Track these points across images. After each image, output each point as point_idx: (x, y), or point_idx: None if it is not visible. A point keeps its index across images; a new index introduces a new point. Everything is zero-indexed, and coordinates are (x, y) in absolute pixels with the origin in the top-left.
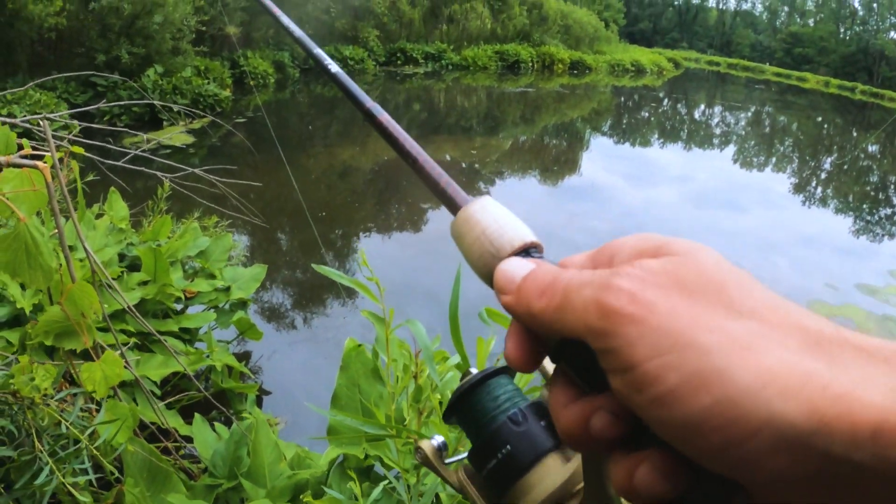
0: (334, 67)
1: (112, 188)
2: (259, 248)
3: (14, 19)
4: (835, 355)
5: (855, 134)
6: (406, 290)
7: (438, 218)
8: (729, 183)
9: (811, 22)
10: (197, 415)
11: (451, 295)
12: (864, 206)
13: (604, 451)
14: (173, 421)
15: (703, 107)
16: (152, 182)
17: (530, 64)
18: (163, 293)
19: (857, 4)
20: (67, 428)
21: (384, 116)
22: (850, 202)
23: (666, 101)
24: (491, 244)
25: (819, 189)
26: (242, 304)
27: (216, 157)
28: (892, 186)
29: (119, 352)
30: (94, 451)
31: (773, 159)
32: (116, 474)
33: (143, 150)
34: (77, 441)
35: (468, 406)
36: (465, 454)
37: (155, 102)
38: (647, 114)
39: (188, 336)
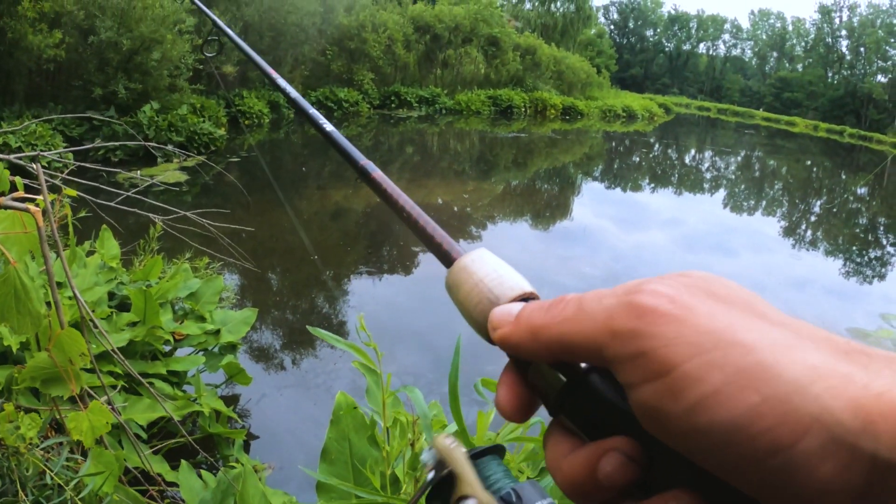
0: (329, 127)
1: (104, 226)
2: (249, 288)
3: (13, 49)
4: (865, 363)
5: (844, 176)
6: (396, 333)
7: (429, 261)
8: (719, 226)
9: (800, 67)
10: (183, 462)
11: (450, 367)
12: (854, 248)
13: (612, 500)
14: (159, 467)
15: (693, 151)
16: (144, 219)
17: (523, 109)
18: (152, 335)
19: (844, 49)
20: (52, 478)
21: (377, 173)
22: (839, 244)
23: (657, 146)
24: (490, 291)
25: (809, 232)
26: (232, 347)
27: (209, 195)
28: (881, 227)
29: (106, 397)
30: (79, 503)
31: (763, 203)
32: None
33: (136, 192)
34: (62, 490)
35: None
36: None
37: (149, 145)
38: (637, 158)
39: (176, 379)
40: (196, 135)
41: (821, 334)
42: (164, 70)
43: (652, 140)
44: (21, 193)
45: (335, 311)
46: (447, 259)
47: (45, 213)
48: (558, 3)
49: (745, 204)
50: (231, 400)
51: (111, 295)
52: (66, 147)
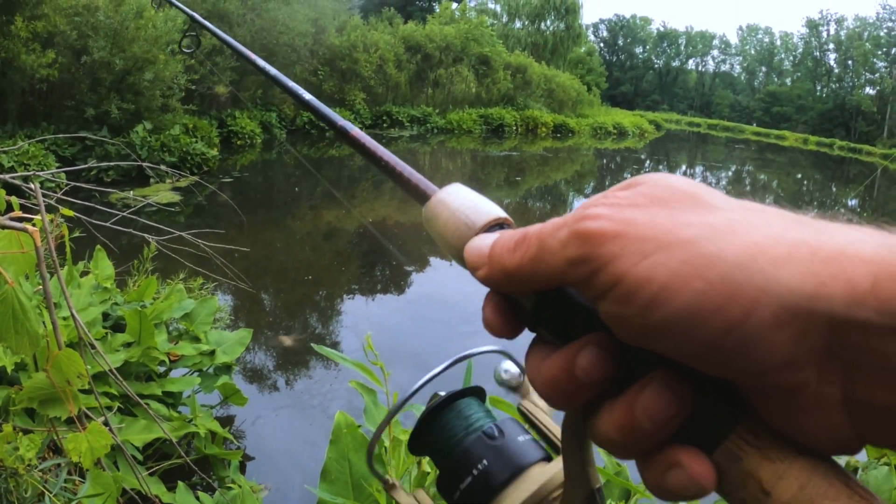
0: (307, 96)
1: (98, 246)
2: (243, 309)
3: (6, 68)
4: (818, 228)
5: (834, 189)
6: (391, 353)
7: (423, 280)
8: None
9: (788, 81)
10: (181, 483)
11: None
12: None
13: (590, 401)
14: (156, 488)
15: (684, 167)
16: (137, 239)
17: (514, 127)
18: (147, 356)
19: (832, 62)
20: (51, 500)
21: (355, 131)
22: None
23: (648, 162)
24: (466, 219)
25: None
26: (227, 368)
27: (202, 216)
28: None
29: (103, 418)
30: None
31: None
32: None
33: (130, 212)
34: None
35: (437, 428)
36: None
37: (144, 164)
38: (629, 175)
39: (171, 400)
40: (189, 155)
41: (771, 209)
42: (157, 90)
43: (643, 156)
44: (18, 213)
45: (329, 332)
46: (423, 197)
47: (42, 231)
48: (548, 22)
49: None
50: (226, 421)
51: (105, 315)
52: (58, 167)
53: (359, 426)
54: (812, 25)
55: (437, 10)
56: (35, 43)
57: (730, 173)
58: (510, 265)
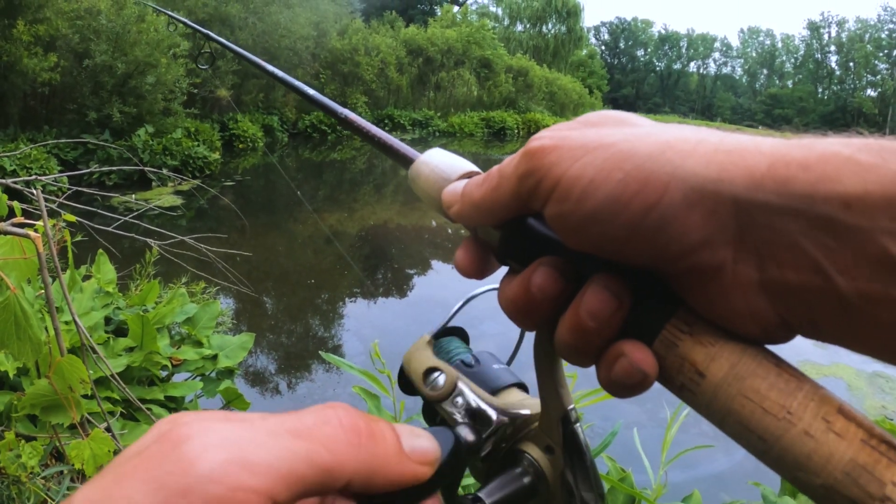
0: (311, 91)
1: (100, 250)
2: (246, 312)
3: (8, 72)
4: (724, 133)
5: None
6: (396, 357)
7: (425, 283)
8: None
9: (790, 83)
10: None
11: None
12: None
13: (549, 316)
14: None
15: None
16: (139, 243)
17: (516, 130)
18: (149, 361)
19: (833, 64)
20: None
21: (353, 116)
22: None
23: None
24: (442, 173)
25: None
26: (229, 372)
27: (204, 219)
28: None
29: (105, 424)
30: None
31: None
32: None
33: (132, 216)
34: None
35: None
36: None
37: (146, 169)
38: None
39: (174, 405)
40: (191, 158)
41: (687, 127)
42: (159, 94)
43: None
44: (20, 219)
45: (332, 335)
46: (407, 161)
47: (44, 237)
48: (550, 25)
49: None
50: None
51: (108, 320)
52: (61, 170)
53: None
54: (813, 27)
55: (439, 14)
56: (37, 47)
57: None
58: (477, 196)
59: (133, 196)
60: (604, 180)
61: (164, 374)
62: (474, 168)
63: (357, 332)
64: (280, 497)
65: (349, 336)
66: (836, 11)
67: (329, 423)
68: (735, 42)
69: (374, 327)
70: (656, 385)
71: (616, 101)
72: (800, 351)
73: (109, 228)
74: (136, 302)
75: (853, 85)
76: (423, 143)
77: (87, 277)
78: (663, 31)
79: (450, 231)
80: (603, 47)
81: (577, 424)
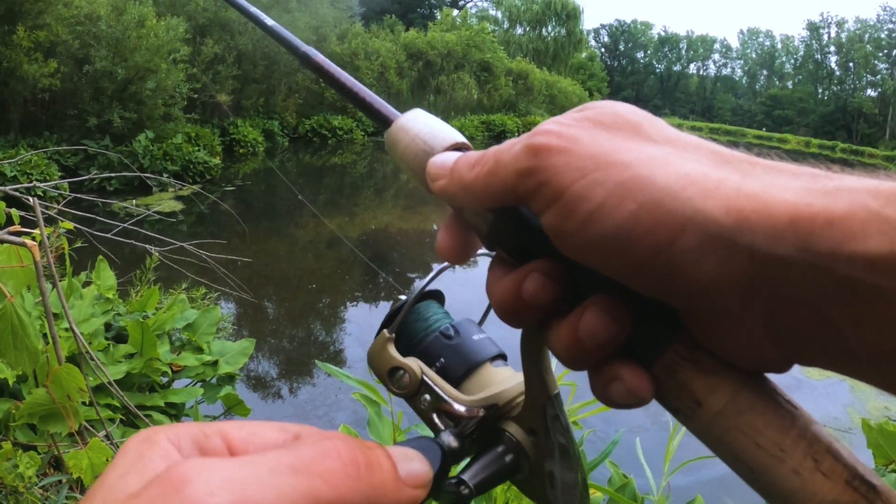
0: (270, 21)
1: (100, 256)
2: (246, 318)
3: (8, 78)
4: (745, 170)
5: None
6: None
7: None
8: None
9: (790, 84)
10: None
11: None
12: None
13: (539, 319)
14: None
15: None
16: (140, 249)
17: (516, 133)
18: (149, 367)
19: (833, 65)
20: None
21: (319, 57)
22: None
23: None
24: (425, 143)
25: None
26: (230, 378)
27: (205, 224)
28: None
29: (104, 431)
30: None
31: None
32: None
33: (132, 222)
34: None
35: (399, 332)
36: None
37: (144, 176)
38: None
39: (174, 411)
40: (191, 164)
41: (705, 146)
42: (159, 99)
43: None
44: (17, 227)
45: (333, 340)
46: (386, 122)
47: (41, 245)
48: (549, 28)
49: None
50: None
51: (108, 326)
52: (61, 176)
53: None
54: (813, 28)
55: (439, 17)
56: (37, 52)
57: None
58: (468, 177)
59: (134, 201)
60: (614, 208)
61: (164, 380)
62: (461, 138)
63: (358, 336)
64: None
65: (351, 341)
66: (836, 12)
67: (329, 457)
68: (735, 43)
69: (375, 332)
70: None
71: None
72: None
73: (109, 235)
74: (136, 308)
75: (853, 85)
76: None
77: (87, 283)
78: (663, 33)
79: None
80: (603, 50)
81: (561, 410)
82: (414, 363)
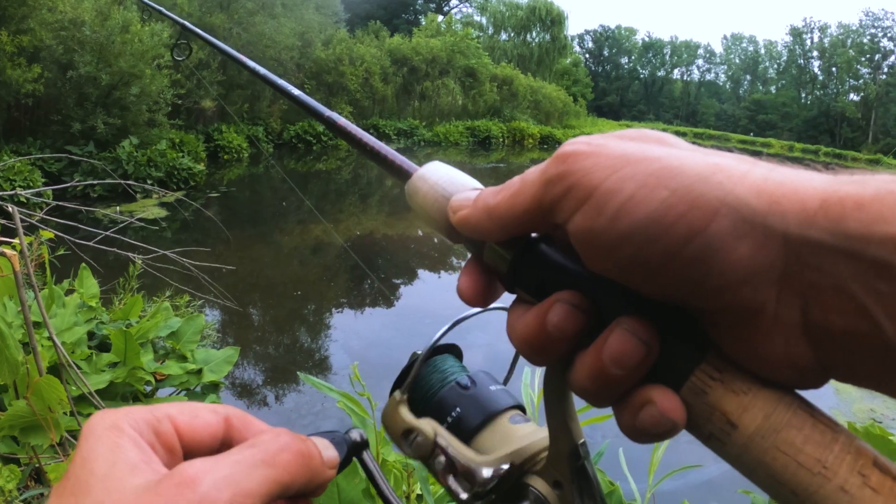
0: (296, 91)
1: (83, 264)
2: (231, 325)
3: None
4: (769, 166)
5: None
6: (384, 369)
7: (413, 293)
8: None
9: (773, 89)
10: None
11: None
12: None
13: (564, 354)
14: None
15: None
16: (124, 257)
17: (501, 139)
18: (133, 376)
19: (816, 69)
20: None
21: (342, 121)
22: None
23: None
24: (444, 190)
25: None
26: (214, 386)
27: (189, 231)
28: None
29: None
30: None
31: None
32: None
33: (115, 230)
34: None
35: (415, 383)
36: None
37: (127, 183)
38: None
39: None
40: (175, 170)
41: (728, 153)
42: (143, 105)
43: None
44: None
45: (318, 347)
46: (405, 175)
47: (21, 254)
48: (534, 34)
49: None
50: None
51: (91, 335)
52: (45, 182)
53: None
54: (796, 33)
55: (424, 23)
56: (21, 57)
57: None
58: (492, 202)
59: (118, 208)
60: (646, 197)
61: (148, 389)
62: (478, 184)
63: (344, 343)
64: None
65: (336, 347)
66: (819, 17)
67: (285, 451)
68: (718, 49)
69: (361, 338)
70: None
71: (601, 109)
72: None
73: (91, 243)
74: (119, 316)
75: (836, 90)
76: (408, 153)
77: (70, 292)
78: (647, 39)
79: (435, 240)
80: (587, 55)
81: (587, 459)
82: (427, 424)
